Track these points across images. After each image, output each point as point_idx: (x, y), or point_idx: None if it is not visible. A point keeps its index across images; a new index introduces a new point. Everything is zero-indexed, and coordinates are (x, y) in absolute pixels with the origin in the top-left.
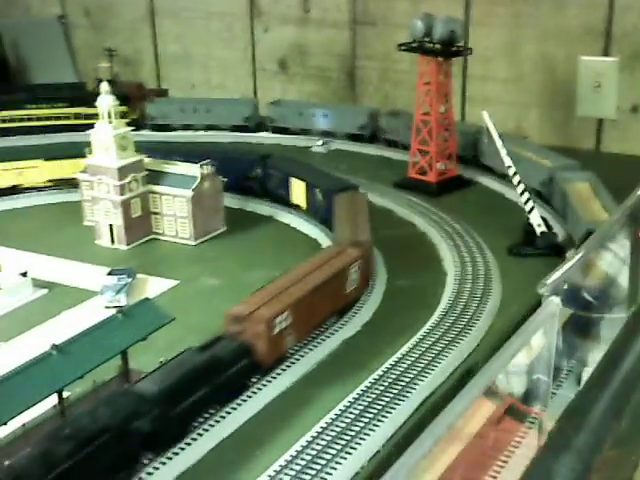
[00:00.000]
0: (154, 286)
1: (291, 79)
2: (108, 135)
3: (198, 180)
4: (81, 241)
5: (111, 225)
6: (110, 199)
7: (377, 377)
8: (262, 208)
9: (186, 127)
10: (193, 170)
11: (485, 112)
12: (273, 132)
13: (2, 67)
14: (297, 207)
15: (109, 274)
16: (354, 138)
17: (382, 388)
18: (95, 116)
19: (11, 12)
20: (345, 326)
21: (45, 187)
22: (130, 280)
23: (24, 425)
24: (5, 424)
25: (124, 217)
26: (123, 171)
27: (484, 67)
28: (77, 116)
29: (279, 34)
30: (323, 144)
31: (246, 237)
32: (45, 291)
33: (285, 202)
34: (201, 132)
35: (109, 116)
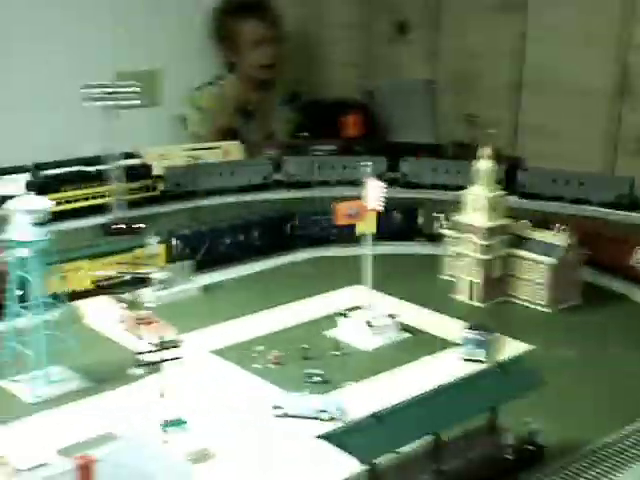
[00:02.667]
0: (509, 346)
1: None
2: (482, 197)
3: (563, 249)
4: (438, 293)
5: (471, 281)
6: (474, 257)
7: None
8: (616, 285)
9: (555, 198)
10: (559, 239)
11: None
12: None
13: (371, 123)
14: None
15: (469, 328)
16: None
17: None
18: None
19: (385, 73)
20: None
21: None
22: (490, 337)
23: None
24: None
25: (484, 275)
26: (490, 232)
27: None
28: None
29: None
30: None
31: (600, 313)
32: (408, 335)
33: None
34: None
35: (484, 179)
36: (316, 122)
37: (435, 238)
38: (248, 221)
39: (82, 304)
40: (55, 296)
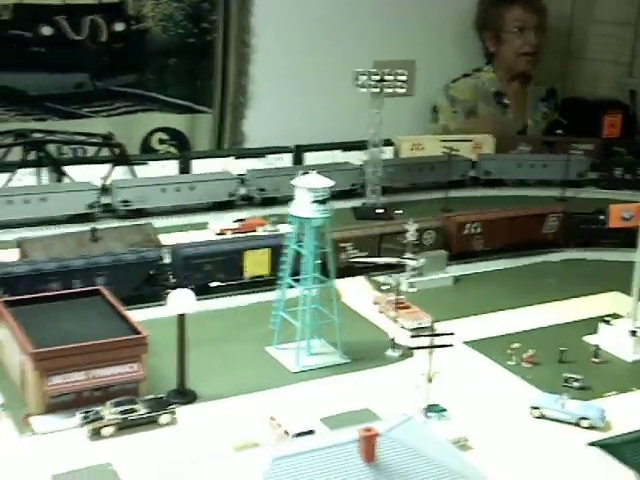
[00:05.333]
0: None
1: None
2: None
3: None
4: None
5: None
6: None
7: None
8: None
9: None
10: None
11: None
12: None
13: (632, 124)
14: None
15: None
16: None
17: None
18: None
19: None
20: None
21: None
22: None
23: None
24: None
25: None
26: None
27: None
28: None
29: None
30: None
31: None
32: None
33: None
34: None
35: None
36: (574, 120)
37: None
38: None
39: (339, 283)
40: (324, 272)
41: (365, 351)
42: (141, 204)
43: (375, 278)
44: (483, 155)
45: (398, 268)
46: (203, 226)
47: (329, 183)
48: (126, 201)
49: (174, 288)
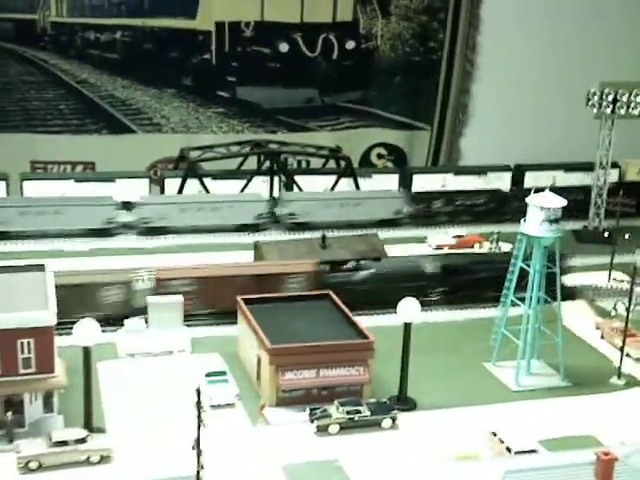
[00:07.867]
0: None
1: None
2: None
3: None
4: None
5: None
6: None
7: None
8: None
9: None
10: None
11: None
12: None
13: None
14: None
15: None
16: None
17: None
18: None
19: None
20: None
21: None
22: None
23: None
24: None
25: None
26: None
27: None
28: None
29: None
30: None
31: None
32: None
33: None
34: None
35: None
36: None
37: None
38: None
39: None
40: (550, 292)
41: (587, 376)
42: (306, 217)
43: (597, 303)
44: None
45: (624, 294)
46: (421, 240)
47: (563, 202)
48: (292, 214)
49: None
